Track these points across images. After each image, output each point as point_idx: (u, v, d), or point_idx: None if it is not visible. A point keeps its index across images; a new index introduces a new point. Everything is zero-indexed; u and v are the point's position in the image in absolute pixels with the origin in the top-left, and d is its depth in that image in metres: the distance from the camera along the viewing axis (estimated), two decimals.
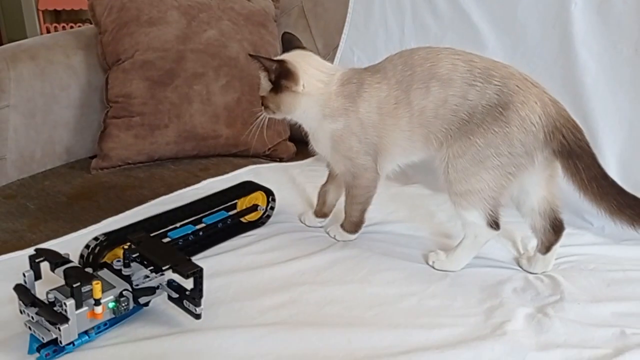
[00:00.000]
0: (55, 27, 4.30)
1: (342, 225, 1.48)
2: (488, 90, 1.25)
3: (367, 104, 1.34)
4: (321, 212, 1.55)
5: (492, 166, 1.25)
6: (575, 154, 1.23)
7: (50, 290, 1.05)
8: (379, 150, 1.38)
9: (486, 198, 1.28)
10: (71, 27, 4.13)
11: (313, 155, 1.59)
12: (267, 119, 1.42)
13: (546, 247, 1.36)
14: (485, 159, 1.25)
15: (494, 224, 1.30)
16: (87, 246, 1.21)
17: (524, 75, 1.27)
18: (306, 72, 1.37)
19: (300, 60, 1.38)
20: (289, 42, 1.45)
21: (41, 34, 4.15)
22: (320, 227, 1.54)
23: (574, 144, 1.23)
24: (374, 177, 1.41)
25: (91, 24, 2.07)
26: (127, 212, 1.55)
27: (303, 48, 1.44)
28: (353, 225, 1.47)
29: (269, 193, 1.53)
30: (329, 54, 2.10)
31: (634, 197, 1.23)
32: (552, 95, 1.27)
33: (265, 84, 1.38)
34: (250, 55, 1.40)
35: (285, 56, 1.39)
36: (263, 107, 1.41)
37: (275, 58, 1.38)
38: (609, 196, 1.23)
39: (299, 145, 2.01)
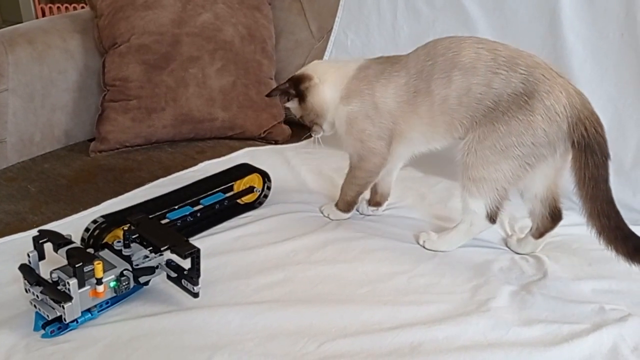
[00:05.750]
0: (50, 8, 4.28)
1: (336, 205, 1.52)
2: (513, 79, 1.24)
3: (383, 89, 1.37)
4: (374, 201, 1.57)
5: (513, 156, 1.25)
6: (591, 149, 1.21)
7: (54, 270, 1.09)
8: (394, 136, 1.40)
9: (498, 189, 1.29)
10: (66, 9, 4.12)
11: (308, 138, 1.62)
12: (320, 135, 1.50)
13: (540, 233, 1.39)
14: (506, 148, 1.25)
15: (494, 217, 1.32)
16: (87, 228, 1.25)
17: (549, 64, 1.27)
18: (315, 67, 1.47)
19: (308, 65, 1.49)
20: None
21: (36, 15, 4.14)
22: (373, 214, 1.57)
23: (594, 138, 1.21)
24: (381, 162, 1.43)
25: (86, 4, 2.09)
26: (126, 194, 1.59)
27: None
28: (346, 204, 1.50)
29: (264, 175, 1.56)
30: (322, 37, 2.12)
31: (615, 210, 1.21)
32: (576, 86, 1.26)
33: (294, 106, 1.48)
34: (267, 95, 1.52)
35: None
36: (311, 131, 1.51)
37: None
38: (597, 201, 1.21)
39: (294, 127, 2.04)
